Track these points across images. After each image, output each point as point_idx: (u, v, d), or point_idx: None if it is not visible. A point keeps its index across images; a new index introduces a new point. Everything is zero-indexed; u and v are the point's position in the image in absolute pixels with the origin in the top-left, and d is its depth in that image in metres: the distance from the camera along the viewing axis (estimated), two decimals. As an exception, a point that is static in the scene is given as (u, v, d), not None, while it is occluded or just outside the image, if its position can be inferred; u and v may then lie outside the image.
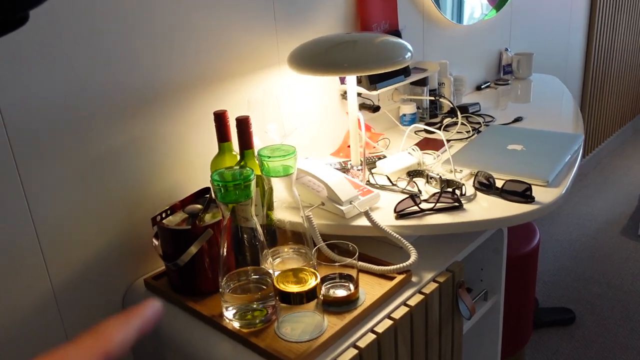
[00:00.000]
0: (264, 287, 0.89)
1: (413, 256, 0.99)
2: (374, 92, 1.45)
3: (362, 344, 0.85)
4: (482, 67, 2.15)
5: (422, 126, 1.57)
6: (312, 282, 0.82)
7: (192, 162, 1.15)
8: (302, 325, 0.86)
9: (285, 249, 0.95)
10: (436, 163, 1.34)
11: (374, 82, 1.44)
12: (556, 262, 2.50)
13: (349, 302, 0.92)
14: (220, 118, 1.03)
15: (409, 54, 1.17)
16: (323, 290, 0.93)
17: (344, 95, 1.49)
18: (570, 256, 2.54)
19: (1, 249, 0.90)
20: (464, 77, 1.91)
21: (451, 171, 1.27)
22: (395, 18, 1.59)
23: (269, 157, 0.88)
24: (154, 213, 1.00)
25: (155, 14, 1.03)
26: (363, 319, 0.90)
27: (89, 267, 1.02)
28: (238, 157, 1.05)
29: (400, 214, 1.09)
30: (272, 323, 0.88)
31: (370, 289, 0.96)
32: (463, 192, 1.15)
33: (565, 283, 2.35)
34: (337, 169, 1.31)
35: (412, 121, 1.66)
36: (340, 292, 0.92)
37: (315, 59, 1.13)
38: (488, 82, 2.15)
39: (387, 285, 0.96)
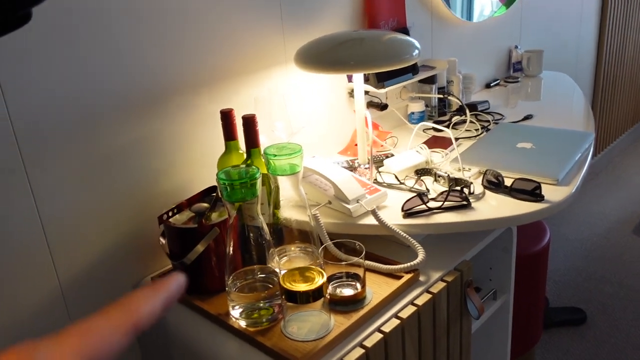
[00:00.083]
0: (271, 285, 0.88)
1: (421, 255, 0.98)
2: (382, 90, 1.44)
3: (368, 343, 0.85)
4: (491, 65, 2.13)
5: (430, 124, 1.56)
6: (318, 281, 0.81)
7: (198, 160, 1.15)
8: (308, 325, 0.85)
9: (292, 248, 0.95)
10: (444, 161, 1.33)
11: (381, 80, 1.43)
12: (567, 262, 2.47)
13: (356, 302, 0.91)
14: (226, 116, 1.03)
15: (417, 51, 1.16)
16: (330, 289, 0.92)
17: (351, 93, 1.48)
18: (582, 255, 2.51)
19: (9, 247, 0.91)
20: (473, 74, 1.89)
21: (459, 169, 1.26)
22: (403, 15, 1.58)
23: (275, 155, 0.87)
24: (160, 212, 1.00)
25: (163, 13, 1.03)
26: (370, 318, 0.89)
27: (96, 266, 1.03)
28: (245, 156, 1.05)
29: (408, 213, 1.08)
30: (279, 322, 0.88)
31: (377, 288, 0.95)
32: (471, 191, 1.14)
33: (576, 282, 2.33)
34: (345, 167, 1.31)
35: (421, 119, 1.65)
36: (347, 291, 0.92)
37: (322, 56, 1.13)
38: (497, 79, 2.13)
39: (395, 284, 0.95)
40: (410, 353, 0.94)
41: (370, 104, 1.52)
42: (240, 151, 1.06)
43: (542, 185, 1.12)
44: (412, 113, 1.65)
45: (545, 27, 2.44)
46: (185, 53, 1.08)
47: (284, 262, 0.94)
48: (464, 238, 1.11)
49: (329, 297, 0.89)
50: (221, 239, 0.95)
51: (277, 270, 0.88)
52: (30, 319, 0.96)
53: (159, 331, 1.00)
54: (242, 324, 0.88)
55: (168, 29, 1.05)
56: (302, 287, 0.81)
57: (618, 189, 3.12)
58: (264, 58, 1.24)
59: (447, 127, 1.57)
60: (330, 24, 1.38)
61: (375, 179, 1.25)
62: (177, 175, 1.12)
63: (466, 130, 1.56)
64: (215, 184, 1.10)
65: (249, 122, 1.02)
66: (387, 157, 1.34)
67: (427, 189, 1.18)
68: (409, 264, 0.97)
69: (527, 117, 1.67)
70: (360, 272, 0.91)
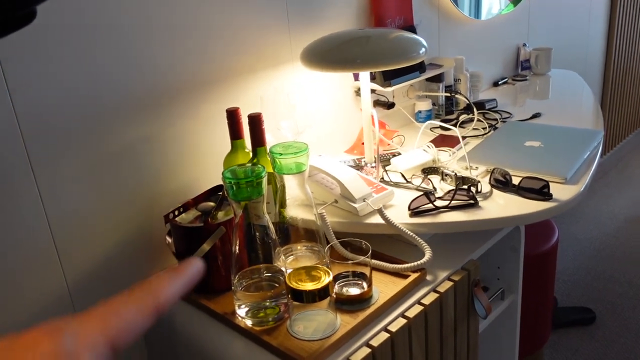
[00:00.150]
0: (277, 285, 0.88)
1: (427, 254, 0.98)
2: (389, 89, 1.43)
3: (375, 343, 0.84)
4: (499, 63, 2.12)
5: (437, 123, 1.55)
6: (325, 280, 0.81)
7: (205, 159, 1.15)
8: (314, 324, 0.85)
9: (298, 247, 0.95)
10: (451, 160, 1.32)
11: (388, 78, 1.42)
12: (576, 261, 2.45)
13: (362, 301, 0.91)
14: (232, 115, 1.02)
15: (424, 49, 1.16)
16: (336, 288, 0.92)
17: (357, 91, 1.48)
18: (591, 255, 2.49)
19: (16, 245, 0.91)
20: (481, 73, 1.88)
21: (467, 168, 1.25)
22: (410, 13, 1.57)
23: (282, 154, 0.87)
24: (167, 210, 1.00)
25: (170, 12, 1.03)
26: (376, 317, 0.89)
27: (103, 264, 1.03)
28: (250, 155, 1.05)
29: (415, 212, 1.07)
30: (285, 321, 0.88)
31: (383, 288, 0.94)
32: (479, 190, 1.13)
33: (585, 282, 2.31)
34: (351, 166, 1.30)
35: (428, 118, 1.64)
36: (354, 290, 0.92)
37: (328, 55, 1.12)
38: (505, 78, 2.12)
39: (401, 283, 0.95)
40: (417, 353, 0.93)
41: (377, 103, 1.52)
42: (246, 150, 1.06)
43: (551, 184, 1.11)
44: (419, 112, 1.65)
45: (553, 24, 2.42)
46: (192, 52, 1.08)
47: (290, 261, 0.94)
48: (471, 237, 1.11)
49: (335, 296, 0.89)
50: (227, 238, 0.95)
51: (283, 269, 0.88)
52: (37, 317, 0.96)
53: (164, 330, 1.00)
54: (248, 323, 0.88)
55: (175, 28, 1.05)
56: (308, 286, 0.80)
57: (627, 187, 3.09)
58: (270, 57, 1.24)
59: (455, 125, 1.56)
60: (336, 22, 1.38)
61: (382, 178, 1.24)
62: (183, 174, 1.12)
63: (473, 128, 1.55)
64: (222, 182, 1.10)
65: (255, 121, 1.02)
66: (393, 155, 1.34)
67: (434, 187, 1.18)
68: (415, 263, 0.97)
69: (535, 116, 1.66)
70: (366, 271, 0.91)
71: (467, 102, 1.69)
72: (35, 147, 0.90)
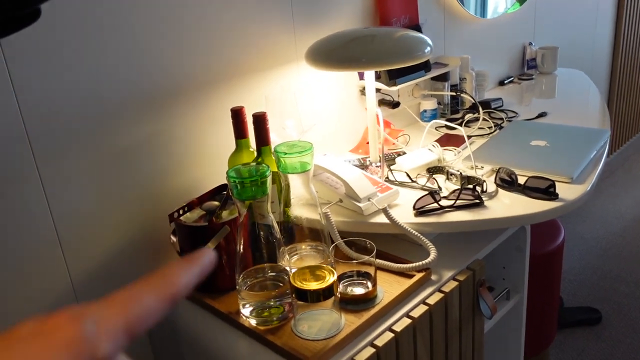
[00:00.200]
0: (281, 284, 0.88)
1: (432, 254, 0.97)
2: (394, 88, 1.43)
3: (379, 342, 0.84)
4: (505, 62, 2.11)
5: (442, 122, 1.55)
6: (329, 280, 0.81)
7: (209, 158, 1.15)
8: (319, 323, 0.85)
9: (303, 246, 0.94)
10: (457, 159, 1.32)
11: (393, 77, 1.42)
12: (582, 261, 2.44)
13: (367, 300, 0.90)
14: (237, 114, 1.02)
15: (429, 48, 1.15)
16: (340, 288, 0.92)
17: (362, 91, 1.47)
18: (597, 254, 2.48)
19: (22, 244, 0.91)
20: (487, 72, 1.87)
21: (472, 167, 1.25)
22: (415, 12, 1.56)
23: (286, 153, 0.87)
24: (171, 209, 1.00)
25: (175, 12, 1.03)
26: (381, 317, 0.89)
27: (108, 263, 1.03)
28: (255, 154, 1.05)
29: (420, 211, 1.07)
30: (289, 321, 0.87)
31: (388, 287, 0.94)
32: (484, 189, 1.13)
33: (591, 282, 2.30)
34: (356, 165, 1.30)
35: (433, 117, 1.63)
36: (358, 290, 0.91)
37: (333, 54, 1.12)
38: (511, 77, 2.11)
39: (406, 283, 0.95)
40: (422, 353, 0.93)
41: (382, 102, 1.51)
42: (251, 149, 1.06)
43: (557, 184, 1.10)
44: (425, 111, 1.64)
45: (560, 23, 2.41)
46: (197, 51, 1.08)
47: (295, 261, 0.93)
48: (476, 237, 1.10)
49: (339, 295, 0.89)
50: (232, 237, 0.95)
51: (287, 268, 0.88)
52: (41, 314, 0.96)
53: (169, 329, 1.00)
54: (253, 322, 0.88)
55: (180, 27, 1.05)
56: (312, 285, 0.80)
57: (634, 187, 3.07)
58: (275, 56, 1.24)
59: (460, 124, 1.56)
60: (341, 21, 1.38)
61: (387, 177, 1.24)
62: (187, 173, 1.12)
63: (479, 128, 1.55)
64: (226, 182, 1.10)
65: (260, 120, 1.02)
66: (398, 155, 1.34)
67: (439, 187, 1.17)
68: (420, 262, 0.96)
69: (541, 115, 1.65)
70: (371, 270, 0.91)
71: (473, 101, 1.69)
72: (40, 145, 0.90)
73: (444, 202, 1.08)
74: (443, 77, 1.65)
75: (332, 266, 0.85)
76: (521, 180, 1.12)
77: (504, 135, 1.44)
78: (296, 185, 0.90)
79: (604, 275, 2.33)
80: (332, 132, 1.43)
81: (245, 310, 0.89)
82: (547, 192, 1.09)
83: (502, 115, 1.64)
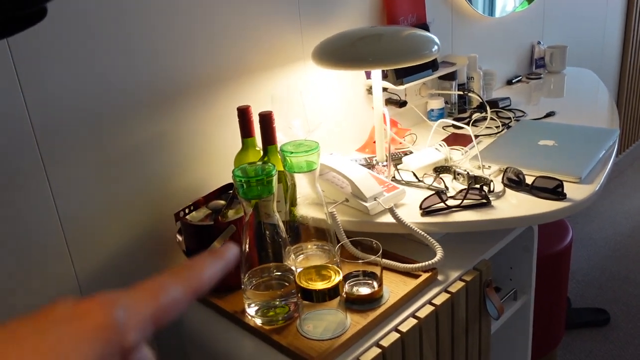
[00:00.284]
0: (287, 284, 0.88)
1: (439, 254, 0.97)
2: (401, 87, 1.42)
3: (385, 343, 0.84)
4: (513, 61, 2.09)
5: (450, 121, 1.54)
6: (335, 280, 0.81)
7: (215, 157, 1.15)
8: (324, 323, 0.85)
9: (309, 246, 0.94)
10: (464, 159, 1.31)
11: (400, 76, 1.41)
12: (590, 261, 2.42)
13: (373, 300, 0.90)
14: (243, 113, 1.02)
15: (436, 47, 1.15)
16: (346, 287, 0.91)
17: (369, 90, 1.47)
18: (605, 255, 2.46)
19: (28, 243, 0.92)
20: (494, 71, 1.86)
21: (479, 167, 1.24)
22: (423, 11, 1.56)
23: (292, 152, 0.87)
24: (177, 209, 1.00)
25: (180, 10, 1.03)
26: (387, 317, 0.88)
27: (114, 262, 1.03)
28: (261, 153, 1.05)
29: (426, 211, 1.06)
30: (294, 320, 0.87)
31: (394, 287, 0.94)
32: (491, 189, 1.12)
33: (599, 282, 2.28)
34: (362, 164, 1.29)
35: (440, 116, 1.63)
36: (364, 290, 0.91)
37: (340, 53, 1.12)
38: (519, 76, 2.10)
39: (412, 283, 0.94)
40: (428, 353, 0.93)
41: (389, 101, 1.51)
42: (257, 148, 1.06)
43: (565, 184, 1.09)
44: (432, 110, 1.63)
45: (569, 21, 2.39)
46: (203, 50, 1.08)
47: (300, 260, 0.93)
48: (483, 237, 1.09)
49: (345, 295, 0.88)
50: (237, 236, 0.95)
51: (293, 268, 0.88)
52: (49, 314, 0.97)
53: (174, 327, 1.00)
54: (258, 321, 0.88)
55: (185, 26, 1.05)
56: (318, 285, 0.80)
57: (644, 187, 3.05)
58: (282, 55, 1.23)
59: (467, 124, 1.55)
60: (348, 20, 1.37)
61: (394, 177, 1.23)
62: (194, 173, 1.12)
63: (486, 127, 1.54)
64: (232, 181, 1.10)
65: (266, 119, 1.01)
66: (405, 154, 1.33)
67: (446, 186, 1.17)
68: (426, 262, 0.96)
69: (550, 114, 1.64)
70: (377, 270, 0.90)
71: (480, 100, 1.68)
72: (47, 145, 0.91)
73: (450, 202, 1.07)
74: (450, 76, 1.64)
75: (337, 266, 0.85)
76: (529, 180, 1.12)
77: (512, 135, 1.43)
78: (302, 185, 0.90)
79: (612, 276, 2.32)
80: (339, 131, 1.42)
81: (251, 310, 0.89)
82: (555, 192, 1.08)
83: (510, 114, 1.63)
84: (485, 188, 1.11)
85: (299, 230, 0.93)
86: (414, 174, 1.21)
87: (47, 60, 0.88)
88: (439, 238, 1.06)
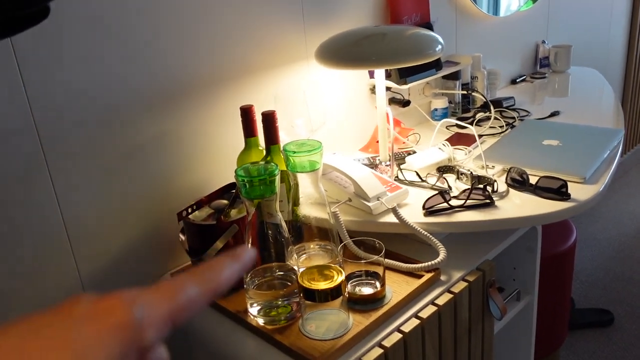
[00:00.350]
0: (289, 283, 0.88)
1: (442, 254, 0.97)
2: (404, 86, 1.42)
3: (387, 343, 0.83)
4: (517, 60, 2.09)
5: (453, 121, 1.54)
6: (337, 279, 0.80)
7: (218, 157, 1.15)
8: (326, 323, 0.85)
9: (311, 246, 0.94)
10: (467, 159, 1.31)
11: (404, 75, 1.41)
12: (594, 262, 2.42)
13: (375, 300, 0.90)
14: (246, 113, 1.02)
15: (440, 46, 1.14)
16: (349, 287, 0.91)
17: (372, 89, 1.46)
18: (609, 255, 2.45)
19: (32, 243, 0.92)
20: (499, 70, 1.86)
21: (483, 167, 1.23)
22: (427, 10, 1.55)
23: (295, 152, 0.86)
24: (180, 208, 1.00)
25: (184, 10, 1.03)
26: (389, 317, 0.88)
27: (117, 261, 1.04)
28: (264, 152, 1.05)
29: (429, 211, 1.06)
30: (297, 320, 0.87)
31: (397, 287, 0.94)
32: (495, 189, 1.12)
33: (603, 283, 2.27)
34: (365, 164, 1.29)
35: (444, 116, 1.62)
36: (366, 290, 0.91)
37: (343, 52, 1.11)
38: (524, 75, 2.09)
39: (415, 283, 0.94)
40: (430, 354, 0.92)
41: (392, 101, 1.50)
42: (260, 148, 1.05)
43: (569, 184, 1.09)
44: (435, 109, 1.63)
45: (573, 20, 2.38)
46: (206, 50, 1.08)
47: (303, 260, 0.93)
48: (486, 237, 1.09)
49: (347, 295, 0.88)
50: (240, 235, 0.95)
51: (295, 268, 0.88)
52: (52, 313, 0.97)
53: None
54: (260, 321, 0.88)
55: (189, 26, 1.05)
56: (320, 285, 0.80)
57: (648, 187, 3.03)
58: (285, 54, 1.23)
59: (471, 124, 1.54)
60: (352, 19, 1.37)
61: (397, 177, 1.23)
62: (196, 172, 1.12)
63: (490, 127, 1.53)
64: (235, 180, 1.10)
65: (269, 119, 1.01)
66: (408, 154, 1.33)
67: (449, 186, 1.16)
68: (429, 262, 0.96)
69: (554, 114, 1.63)
70: (379, 270, 0.90)
71: (484, 100, 1.67)
72: (50, 145, 0.91)
73: (454, 202, 1.07)
74: (454, 76, 1.64)
75: (340, 266, 0.84)
76: (533, 180, 1.11)
77: (516, 135, 1.43)
78: (305, 184, 0.89)
79: (616, 276, 2.31)
80: (342, 131, 1.42)
81: (253, 310, 0.89)
82: (559, 192, 1.08)
83: (514, 114, 1.63)
84: (489, 188, 1.11)
85: (301, 230, 0.93)
86: (417, 174, 1.21)
87: (50, 62, 0.88)
88: (442, 238, 1.06)
